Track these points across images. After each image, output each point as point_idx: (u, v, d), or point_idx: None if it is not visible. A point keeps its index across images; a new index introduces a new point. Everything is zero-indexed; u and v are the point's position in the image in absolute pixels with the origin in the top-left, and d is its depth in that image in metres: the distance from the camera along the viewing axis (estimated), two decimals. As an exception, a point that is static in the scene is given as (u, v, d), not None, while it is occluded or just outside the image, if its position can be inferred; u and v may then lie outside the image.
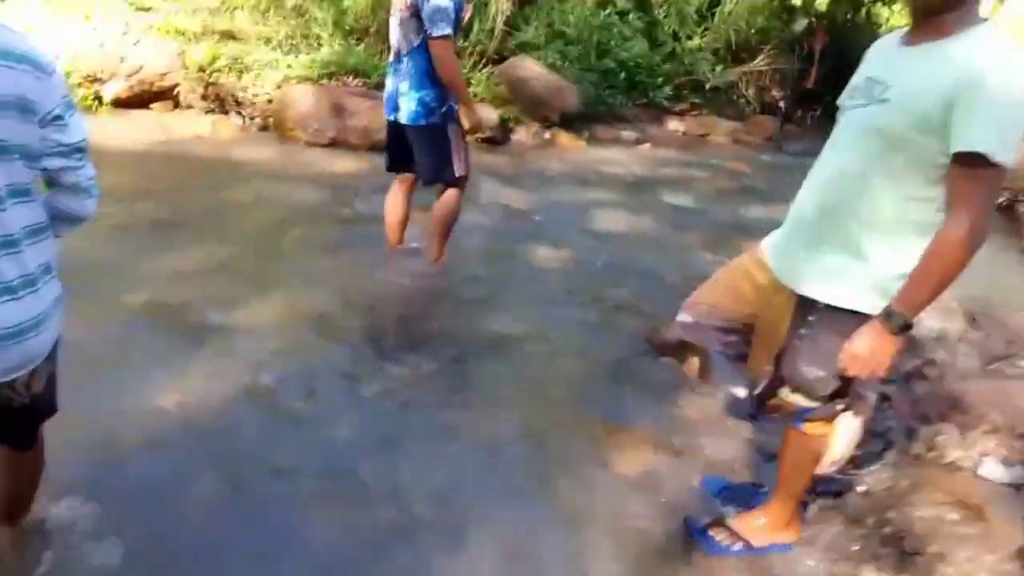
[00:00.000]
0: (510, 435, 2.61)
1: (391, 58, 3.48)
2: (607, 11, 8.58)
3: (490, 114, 6.59)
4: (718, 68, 9.16)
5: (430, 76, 3.31)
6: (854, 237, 1.72)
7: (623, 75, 8.34)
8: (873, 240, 1.70)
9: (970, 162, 1.49)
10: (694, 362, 3.18)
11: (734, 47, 9.41)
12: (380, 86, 6.38)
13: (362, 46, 6.88)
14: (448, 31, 3.21)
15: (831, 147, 1.82)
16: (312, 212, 4.58)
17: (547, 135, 7.30)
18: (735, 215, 5.85)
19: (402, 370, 2.95)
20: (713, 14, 9.47)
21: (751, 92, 9.59)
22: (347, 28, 6.96)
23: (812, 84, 10.32)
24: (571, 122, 7.52)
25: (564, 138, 7.32)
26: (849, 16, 10.62)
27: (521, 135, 7.16)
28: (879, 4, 10.87)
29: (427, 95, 3.35)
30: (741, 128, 8.96)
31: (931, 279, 1.59)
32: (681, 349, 3.27)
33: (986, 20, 1.59)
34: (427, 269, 3.81)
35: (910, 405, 2.90)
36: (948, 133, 1.50)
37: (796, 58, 9.70)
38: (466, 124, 3.51)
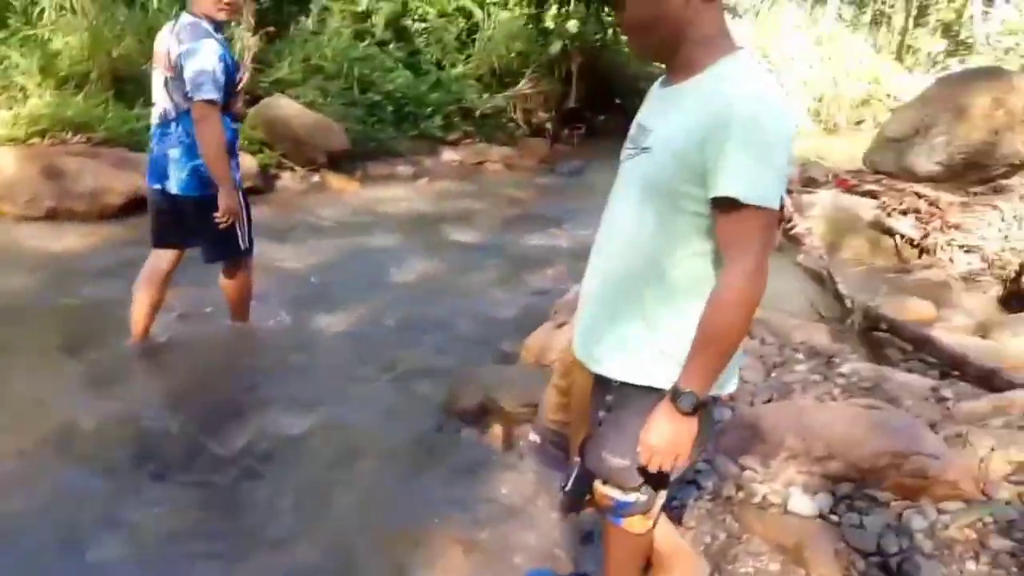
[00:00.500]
0: (289, 565, 2.17)
1: (155, 120, 3.10)
2: (365, 42, 8.27)
3: (248, 162, 5.99)
4: (485, 94, 9.19)
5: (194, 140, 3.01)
6: (640, 303, 1.53)
7: (390, 108, 8.07)
8: (660, 304, 1.52)
9: (728, 208, 1.35)
10: (497, 430, 2.93)
11: (498, 72, 9.51)
12: (108, 141, 5.62)
13: (81, 95, 5.95)
14: (214, 96, 2.88)
15: (610, 201, 1.64)
16: (30, 304, 3.78)
17: (315, 178, 6.83)
18: (521, 246, 5.76)
19: (162, 495, 2.41)
20: (474, 40, 9.51)
21: (519, 116, 9.74)
22: (60, 75, 5.99)
23: (574, 103, 10.76)
24: (340, 162, 7.10)
25: (335, 180, 6.88)
26: (599, 37, 11.20)
27: (286, 181, 6.63)
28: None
29: (201, 164, 3.01)
30: (514, 153, 9.04)
31: (713, 346, 1.43)
32: (482, 415, 3.01)
33: (739, 49, 1.44)
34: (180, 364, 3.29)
35: (715, 440, 2.84)
36: (706, 178, 1.38)
37: (557, 80, 10.01)
38: (220, 207, 3.06)
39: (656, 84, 1.62)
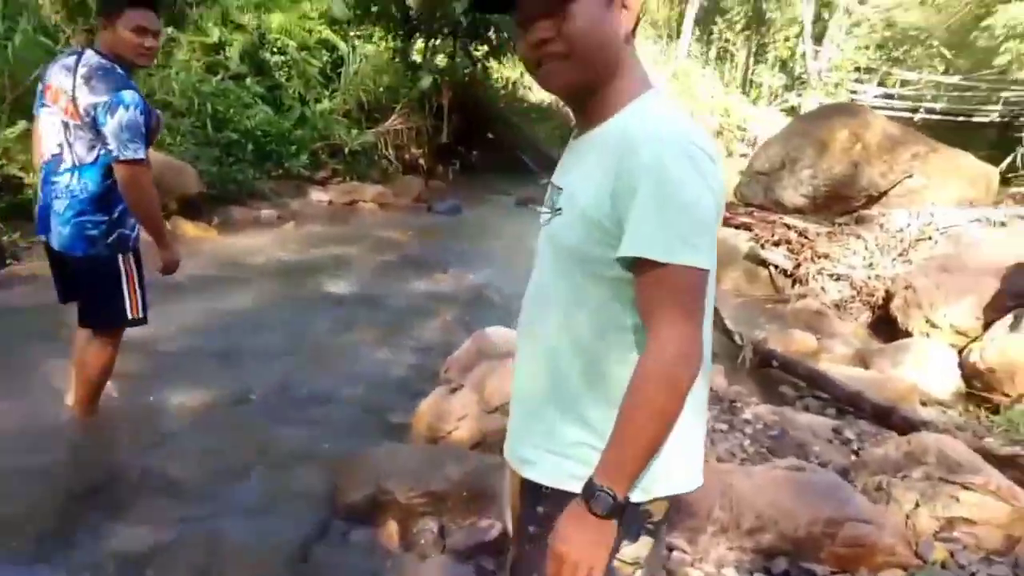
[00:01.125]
0: None
1: (43, 158, 2.70)
2: (219, 76, 7.66)
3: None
4: (354, 130, 8.77)
5: (99, 201, 2.67)
6: (572, 395, 1.28)
7: (250, 146, 7.49)
8: (590, 392, 1.27)
9: (644, 270, 1.14)
10: (392, 527, 2.53)
11: (367, 107, 9.13)
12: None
13: None
14: (143, 154, 2.59)
15: (533, 273, 1.39)
16: None
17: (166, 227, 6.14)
18: (403, 295, 5.38)
19: None
20: (339, 74, 9.08)
21: (391, 152, 9.38)
22: None
23: (446, 139, 10.55)
24: (195, 207, 6.45)
25: (188, 228, 6.22)
26: (468, 71, 11.06)
27: (133, 230, 5.92)
28: (491, 60, 11.51)
29: (89, 222, 2.68)
30: (388, 191, 8.65)
31: (632, 437, 1.17)
32: (374, 510, 2.60)
33: (651, 88, 1.24)
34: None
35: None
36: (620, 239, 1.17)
37: (428, 115, 9.76)
38: (159, 264, 2.82)
39: (571, 136, 1.38)
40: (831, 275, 5.98)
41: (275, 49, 8.29)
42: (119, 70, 2.61)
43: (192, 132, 6.93)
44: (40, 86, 2.72)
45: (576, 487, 1.25)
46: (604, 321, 1.22)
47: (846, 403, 3.97)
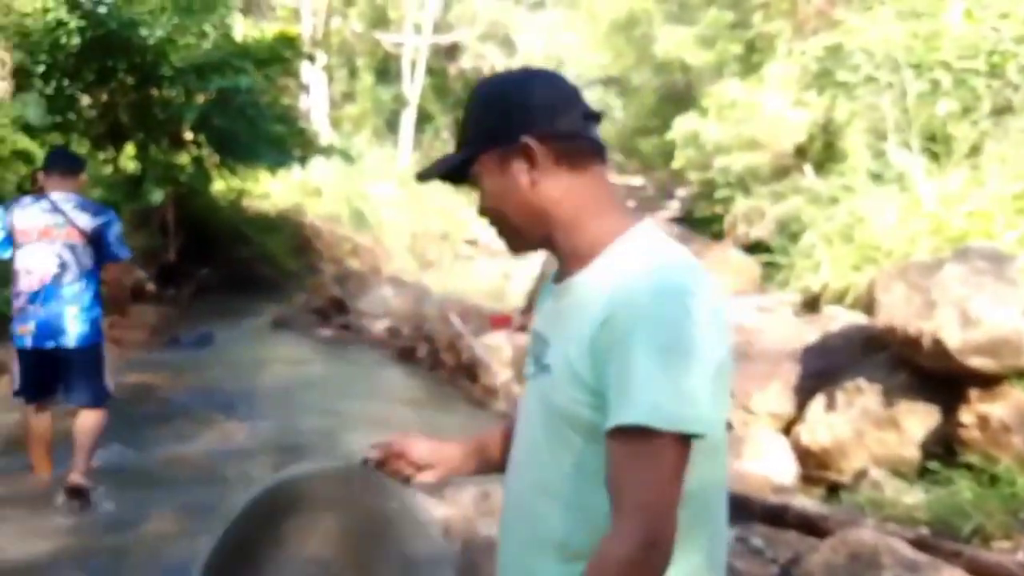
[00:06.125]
0: None
1: (33, 286, 3.48)
2: None
3: None
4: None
5: (98, 296, 3.63)
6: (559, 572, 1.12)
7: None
8: (575, 525, 1.12)
9: (625, 438, 1.00)
10: None
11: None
12: None
13: None
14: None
15: (516, 433, 1.26)
16: None
17: None
18: (196, 458, 4.28)
19: None
20: (37, 191, 7.48)
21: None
22: None
23: (175, 258, 9.26)
24: None
25: None
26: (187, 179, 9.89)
27: None
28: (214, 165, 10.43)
29: (97, 315, 3.62)
30: (117, 324, 7.13)
31: None
32: None
33: (633, 226, 1.12)
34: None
35: None
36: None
37: (156, 232, 8.45)
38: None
39: (549, 279, 1.28)
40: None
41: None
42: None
43: None
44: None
45: None
46: (604, 496, 1.04)
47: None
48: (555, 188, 1.11)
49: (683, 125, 14.19)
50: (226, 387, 5.87)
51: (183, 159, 9.47)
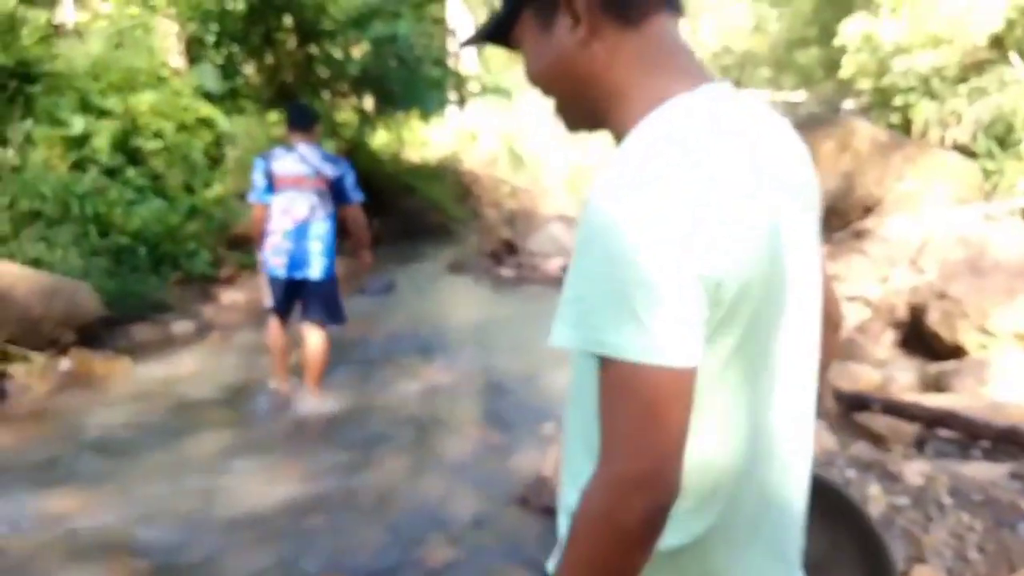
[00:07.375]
0: None
1: (288, 225, 3.99)
2: (89, 173, 6.30)
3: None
4: (253, 216, 7.58)
5: (335, 235, 4.16)
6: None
7: (144, 250, 6.17)
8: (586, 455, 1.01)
9: (602, 368, 0.83)
10: None
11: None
12: None
13: None
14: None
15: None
16: None
17: (65, 365, 4.76)
18: (399, 402, 4.36)
19: None
20: (223, 155, 7.89)
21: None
22: None
23: (348, 211, 9.52)
24: (97, 335, 5.09)
25: (97, 363, 4.84)
26: (356, 133, 10.13)
27: (21, 379, 4.50)
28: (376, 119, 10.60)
29: (333, 252, 4.16)
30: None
31: (580, 568, 0.84)
32: None
33: (672, 96, 0.86)
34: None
35: None
36: None
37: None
38: (367, 261, 4.47)
39: None
40: (846, 298, 5.59)
41: (151, 134, 7.01)
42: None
43: (75, 242, 5.55)
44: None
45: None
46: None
47: (997, 441, 3.46)
48: (604, 48, 0.91)
49: (853, 28, 12.84)
50: (419, 332, 5.98)
51: (346, 114, 9.66)
